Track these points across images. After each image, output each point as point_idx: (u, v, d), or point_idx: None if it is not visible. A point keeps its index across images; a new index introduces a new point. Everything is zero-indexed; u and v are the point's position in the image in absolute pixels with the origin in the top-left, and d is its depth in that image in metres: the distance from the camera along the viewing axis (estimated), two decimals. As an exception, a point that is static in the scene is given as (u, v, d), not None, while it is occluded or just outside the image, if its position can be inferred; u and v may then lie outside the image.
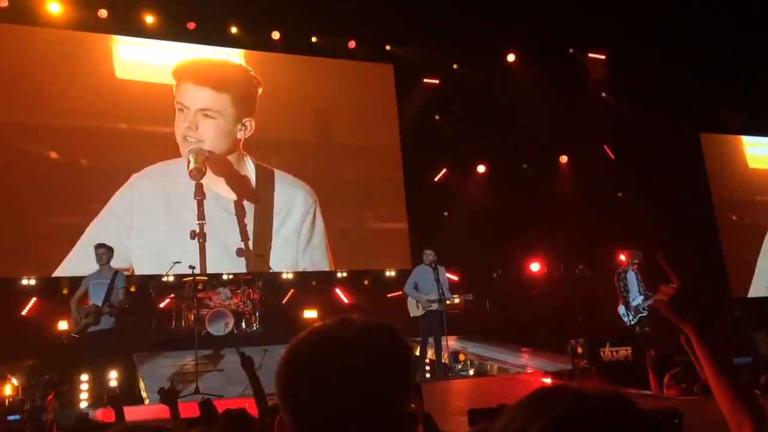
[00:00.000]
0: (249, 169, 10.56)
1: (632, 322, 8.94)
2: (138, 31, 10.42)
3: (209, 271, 10.02)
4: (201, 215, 9.95)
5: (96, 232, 9.25)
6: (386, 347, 0.99)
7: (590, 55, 12.89)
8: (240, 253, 10.20)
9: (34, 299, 9.53)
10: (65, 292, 9.73)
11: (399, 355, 1.01)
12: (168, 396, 3.75)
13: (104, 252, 7.35)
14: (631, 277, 9.02)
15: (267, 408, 3.20)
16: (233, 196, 10.35)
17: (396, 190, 11.76)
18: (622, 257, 9.65)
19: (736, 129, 13.71)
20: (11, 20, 9.77)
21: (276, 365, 1.03)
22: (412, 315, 8.64)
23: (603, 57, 12.87)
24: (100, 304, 7.05)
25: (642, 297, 8.93)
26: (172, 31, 10.56)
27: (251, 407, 5.32)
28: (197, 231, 9.88)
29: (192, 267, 8.49)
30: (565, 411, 0.83)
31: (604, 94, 12.98)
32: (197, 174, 10.02)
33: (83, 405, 7.00)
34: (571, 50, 12.79)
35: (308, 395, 0.95)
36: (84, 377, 7.19)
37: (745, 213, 13.48)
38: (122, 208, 9.72)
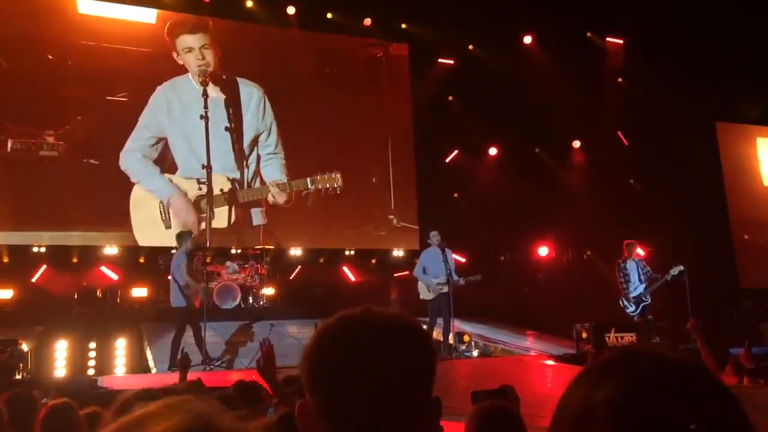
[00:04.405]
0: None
1: (635, 313, 8.94)
2: (154, 2, 10.40)
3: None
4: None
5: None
6: (414, 335, 1.00)
7: (608, 39, 12.74)
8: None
9: (43, 267, 9.63)
10: (75, 261, 9.85)
11: (427, 344, 1.02)
12: (181, 362, 4.21)
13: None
14: (632, 267, 9.01)
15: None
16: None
17: (407, 169, 11.75)
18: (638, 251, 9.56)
19: (751, 118, 13.55)
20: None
21: (300, 347, 1.03)
22: (422, 298, 8.69)
23: (621, 42, 12.71)
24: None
25: (643, 286, 8.91)
26: (187, 2, 10.53)
27: (259, 378, 5.39)
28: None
29: (203, 243, 8.51)
30: (638, 378, 0.71)
31: (620, 80, 12.84)
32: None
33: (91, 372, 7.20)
34: (589, 34, 12.64)
35: (336, 379, 0.94)
36: (92, 345, 7.39)
37: (757, 202, 13.35)
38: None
